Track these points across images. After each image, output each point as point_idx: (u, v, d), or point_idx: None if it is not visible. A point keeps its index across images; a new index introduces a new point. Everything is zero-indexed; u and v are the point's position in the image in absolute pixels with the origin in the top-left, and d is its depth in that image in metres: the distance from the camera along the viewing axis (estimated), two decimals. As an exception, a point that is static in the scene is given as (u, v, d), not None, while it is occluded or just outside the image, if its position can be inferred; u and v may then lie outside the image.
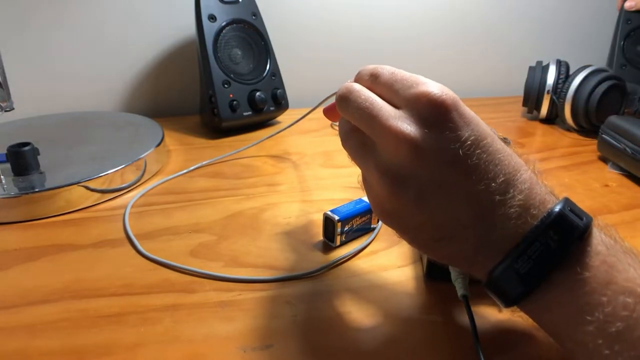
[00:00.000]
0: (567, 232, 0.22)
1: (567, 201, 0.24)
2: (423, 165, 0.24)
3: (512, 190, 0.23)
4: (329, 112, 0.34)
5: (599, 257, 0.22)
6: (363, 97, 0.27)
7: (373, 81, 0.28)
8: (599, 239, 0.23)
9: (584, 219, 0.23)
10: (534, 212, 0.23)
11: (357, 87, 0.28)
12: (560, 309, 0.22)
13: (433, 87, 0.25)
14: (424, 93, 0.24)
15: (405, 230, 0.27)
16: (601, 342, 0.21)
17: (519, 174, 0.24)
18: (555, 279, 0.22)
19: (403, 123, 0.24)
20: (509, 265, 0.23)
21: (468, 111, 0.25)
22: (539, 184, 0.24)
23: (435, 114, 0.24)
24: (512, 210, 0.23)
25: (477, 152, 0.23)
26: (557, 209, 0.23)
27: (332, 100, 0.36)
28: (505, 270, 0.23)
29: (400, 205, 0.25)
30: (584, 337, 0.21)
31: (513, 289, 0.23)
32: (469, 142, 0.23)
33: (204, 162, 0.56)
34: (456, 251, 0.25)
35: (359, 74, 0.29)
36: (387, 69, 0.27)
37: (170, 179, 0.52)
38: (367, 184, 0.28)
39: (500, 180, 0.23)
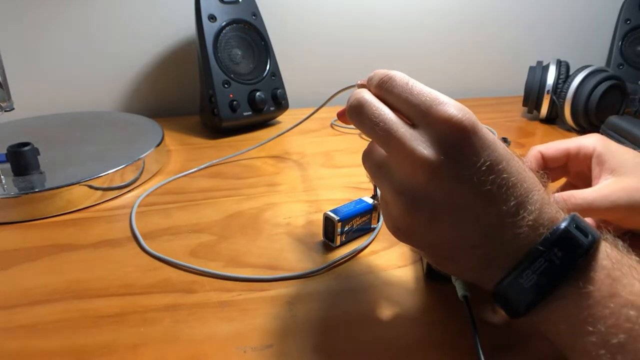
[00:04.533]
0: (572, 249, 0.23)
1: (574, 218, 0.24)
2: (438, 188, 0.24)
3: (522, 212, 0.24)
4: (343, 116, 0.32)
5: (603, 271, 0.23)
6: (377, 113, 0.26)
7: (383, 88, 0.27)
8: (604, 253, 0.23)
9: (590, 235, 0.23)
10: (542, 230, 0.23)
11: (369, 98, 0.27)
12: (564, 321, 0.23)
13: (453, 109, 0.24)
14: (445, 116, 0.24)
15: (417, 247, 0.28)
16: (603, 353, 0.21)
17: (530, 195, 0.24)
18: (560, 293, 0.23)
19: (420, 145, 0.24)
20: (514, 280, 0.23)
21: (486, 134, 0.24)
22: (549, 203, 0.25)
23: (453, 138, 0.24)
24: (522, 230, 0.23)
25: (492, 177, 0.24)
26: (562, 226, 0.23)
27: (338, 99, 0.35)
28: (511, 284, 0.24)
29: (413, 224, 0.26)
30: (587, 348, 0.22)
31: (518, 301, 0.24)
32: (484, 168, 0.24)
33: (208, 163, 0.56)
34: (465, 268, 0.26)
35: (370, 79, 0.28)
36: (400, 78, 0.27)
37: (176, 178, 0.52)
38: (382, 201, 0.28)
39: (512, 203, 0.24)
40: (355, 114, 0.27)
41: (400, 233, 0.27)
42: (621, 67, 0.79)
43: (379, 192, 0.40)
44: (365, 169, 0.29)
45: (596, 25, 0.92)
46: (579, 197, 0.35)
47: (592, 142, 0.38)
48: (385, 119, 0.26)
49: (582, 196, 0.35)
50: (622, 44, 0.80)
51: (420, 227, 0.25)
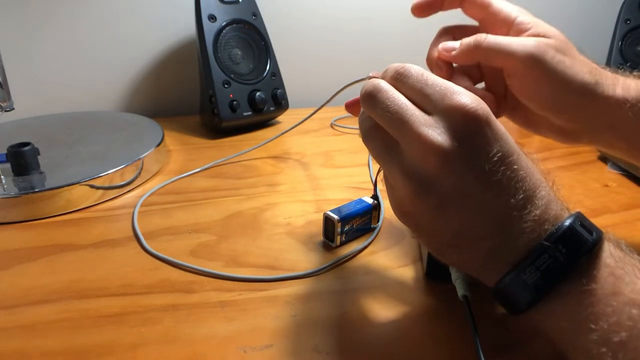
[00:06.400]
0: (576, 246, 0.23)
1: (578, 216, 0.24)
2: (449, 174, 0.24)
3: (529, 206, 0.24)
4: (351, 107, 0.33)
5: (607, 269, 0.23)
6: (392, 98, 0.26)
7: (399, 79, 0.27)
8: (608, 252, 0.23)
9: (594, 233, 0.23)
10: (547, 226, 0.24)
11: (385, 85, 0.27)
12: (566, 318, 0.23)
13: (467, 99, 0.24)
14: (460, 105, 0.24)
15: (421, 233, 0.27)
16: (605, 351, 0.21)
17: (538, 190, 0.24)
18: (562, 290, 0.23)
19: (434, 132, 0.24)
20: (516, 276, 0.23)
21: (499, 126, 0.25)
22: (555, 200, 0.25)
23: (468, 127, 0.24)
24: (527, 224, 0.24)
25: (502, 168, 0.24)
26: (567, 223, 0.23)
27: (340, 96, 0.35)
28: (513, 280, 0.24)
29: (420, 209, 0.26)
30: (588, 345, 0.22)
31: (520, 298, 0.24)
32: (495, 159, 0.24)
33: (208, 164, 0.56)
34: (468, 259, 0.26)
35: (385, 72, 0.29)
36: (415, 69, 0.27)
37: (178, 179, 0.52)
38: (388, 183, 0.28)
39: (520, 196, 0.24)
40: (370, 99, 0.27)
41: (406, 217, 0.27)
42: (621, 67, 0.79)
43: (378, 188, 0.40)
44: (368, 147, 0.29)
45: (596, 25, 0.92)
46: (488, 36, 0.34)
47: (514, 10, 0.36)
48: (399, 103, 0.26)
49: (492, 36, 0.34)
50: (622, 44, 0.80)
51: (427, 212, 0.25)
